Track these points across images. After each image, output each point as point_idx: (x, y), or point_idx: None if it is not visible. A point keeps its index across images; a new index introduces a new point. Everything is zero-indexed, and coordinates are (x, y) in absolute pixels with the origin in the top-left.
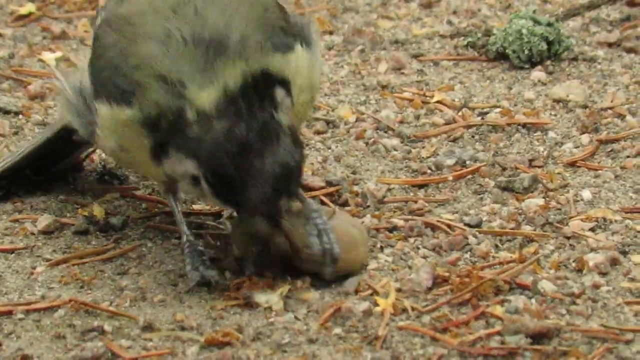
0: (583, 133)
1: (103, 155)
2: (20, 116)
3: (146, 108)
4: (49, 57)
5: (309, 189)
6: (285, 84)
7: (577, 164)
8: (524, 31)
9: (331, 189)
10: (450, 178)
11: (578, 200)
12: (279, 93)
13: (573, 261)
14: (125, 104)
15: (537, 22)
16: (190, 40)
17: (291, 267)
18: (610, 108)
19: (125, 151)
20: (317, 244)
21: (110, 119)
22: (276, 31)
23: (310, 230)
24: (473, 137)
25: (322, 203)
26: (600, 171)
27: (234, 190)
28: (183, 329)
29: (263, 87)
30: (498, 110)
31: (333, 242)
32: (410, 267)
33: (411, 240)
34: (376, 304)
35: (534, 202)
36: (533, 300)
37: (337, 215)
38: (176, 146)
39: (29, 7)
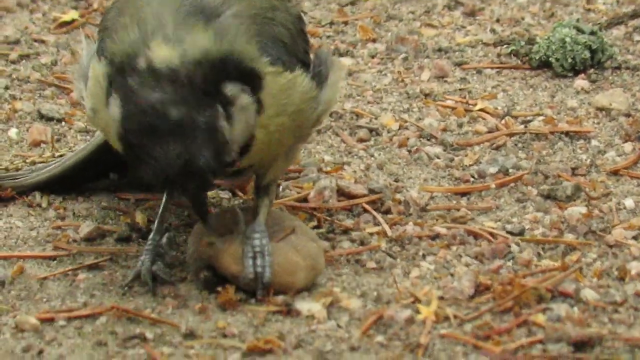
0: (626, 141)
1: None
2: (63, 123)
3: (113, 49)
4: None
5: (351, 196)
6: (251, 82)
7: (620, 172)
8: (568, 40)
9: (373, 197)
10: (493, 186)
11: (621, 209)
12: (233, 90)
13: (615, 269)
14: (99, 58)
15: (580, 30)
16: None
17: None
18: None
19: (96, 114)
20: (250, 267)
21: (91, 76)
22: (277, 43)
23: (247, 252)
24: (516, 145)
25: (365, 211)
26: None
27: (137, 156)
28: (225, 336)
29: (220, 73)
30: (541, 118)
31: (266, 265)
32: (452, 275)
33: (454, 248)
34: (418, 312)
35: (577, 210)
36: (575, 309)
37: (298, 232)
38: (117, 85)
39: (72, 14)
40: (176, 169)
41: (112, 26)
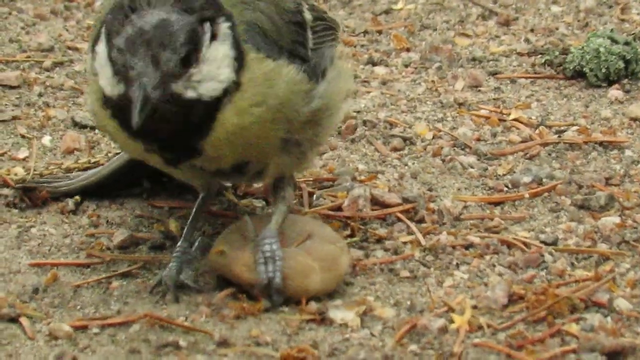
0: None
1: None
2: (97, 130)
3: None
4: None
5: (385, 205)
6: (239, 56)
7: None
8: (602, 50)
9: (407, 206)
10: (527, 196)
11: None
12: (223, 26)
13: None
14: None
15: (614, 40)
16: None
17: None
18: None
19: (95, 115)
20: (263, 273)
21: (88, 75)
22: (254, 28)
23: (258, 259)
24: (550, 155)
25: (398, 220)
26: None
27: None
28: (258, 344)
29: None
30: (575, 128)
31: (277, 270)
32: (486, 285)
33: (487, 257)
34: (452, 321)
35: (611, 220)
36: (608, 319)
37: (316, 235)
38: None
39: None
40: (147, 32)
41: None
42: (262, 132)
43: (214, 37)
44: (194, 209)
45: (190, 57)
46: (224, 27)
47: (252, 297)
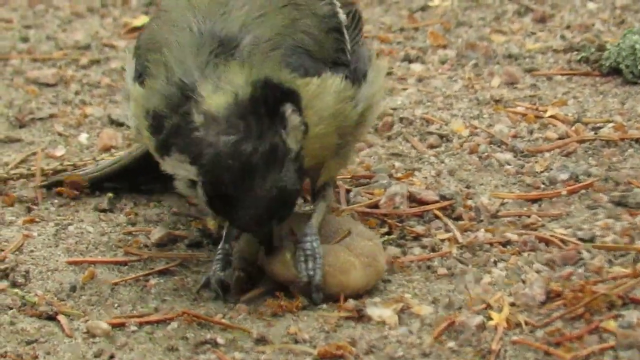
0: None
1: None
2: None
3: (152, 99)
4: None
5: (422, 202)
6: (294, 101)
7: None
8: (638, 46)
9: (444, 203)
10: (564, 193)
11: None
12: (288, 109)
13: None
14: (139, 83)
15: None
16: (205, 34)
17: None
18: None
19: (141, 132)
20: (304, 271)
21: (132, 98)
22: (298, 51)
23: (299, 256)
24: (586, 151)
25: (436, 217)
26: None
27: (228, 205)
28: (296, 341)
29: (272, 100)
30: (611, 125)
31: (317, 268)
32: (523, 282)
33: (524, 254)
34: (490, 318)
35: None
36: None
37: (355, 232)
38: (179, 147)
39: (142, 20)
40: (275, 201)
41: (145, 54)
42: (324, 145)
43: (286, 125)
44: None
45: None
46: (292, 116)
47: (290, 294)
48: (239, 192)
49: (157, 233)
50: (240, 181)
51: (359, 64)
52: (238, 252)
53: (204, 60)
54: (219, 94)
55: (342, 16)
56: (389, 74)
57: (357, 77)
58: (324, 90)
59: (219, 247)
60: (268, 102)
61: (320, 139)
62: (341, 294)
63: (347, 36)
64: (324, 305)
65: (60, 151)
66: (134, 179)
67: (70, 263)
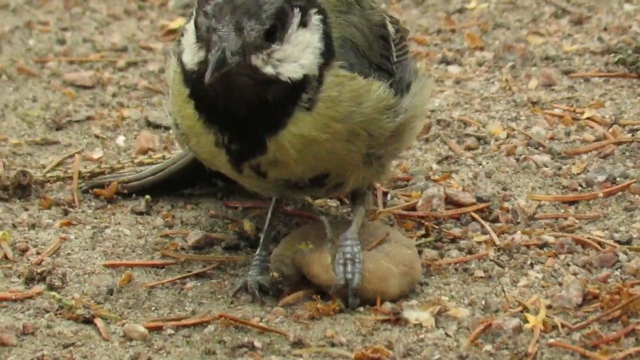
0: None
1: None
2: (170, 131)
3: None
4: None
5: (459, 205)
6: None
7: None
8: None
9: (481, 205)
10: (601, 195)
11: None
12: (314, 17)
13: None
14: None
15: None
16: None
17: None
18: None
19: (181, 121)
20: (341, 274)
21: (171, 83)
22: (347, 44)
23: (338, 259)
24: (623, 153)
25: (473, 219)
26: None
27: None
28: (333, 345)
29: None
30: None
31: (357, 272)
32: (560, 284)
33: (561, 256)
34: (526, 321)
35: None
36: None
37: (392, 238)
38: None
39: (180, 22)
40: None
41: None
42: (335, 147)
43: (304, 24)
44: (269, 214)
45: (275, 33)
46: (315, 18)
47: (327, 297)
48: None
49: (194, 236)
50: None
51: (404, 74)
52: (276, 255)
53: None
54: None
55: (391, 28)
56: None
57: (400, 88)
58: (366, 94)
59: (257, 253)
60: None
61: (334, 138)
62: (381, 299)
63: (393, 47)
64: (361, 309)
65: (97, 154)
66: (177, 189)
67: (107, 266)
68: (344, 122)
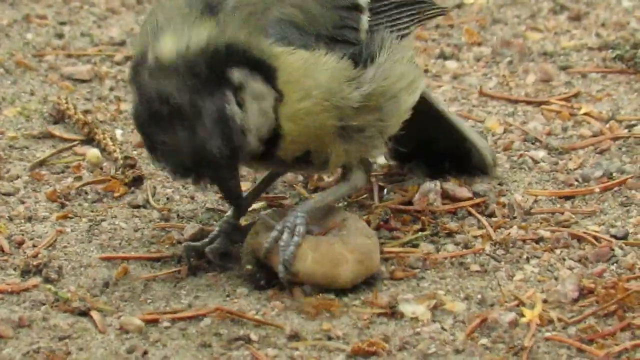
0: None
1: None
2: None
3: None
4: None
5: (455, 199)
6: (262, 71)
7: None
8: None
9: (478, 200)
10: (597, 190)
11: None
12: (240, 76)
13: None
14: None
15: None
16: None
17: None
18: None
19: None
20: (271, 239)
21: None
22: (283, 23)
23: (276, 226)
24: (620, 149)
25: (469, 214)
26: None
27: (151, 148)
28: (329, 338)
29: (224, 60)
30: None
31: (291, 245)
32: (556, 279)
33: (557, 251)
34: (522, 315)
35: None
36: None
37: (352, 225)
38: (132, 82)
39: None
40: (188, 156)
41: (143, 25)
42: (318, 125)
43: (242, 91)
44: (257, 181)
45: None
46: (250, 84)
47: (318, 291)
48: (152, 139)
49: (190, 229)
50: (156, 128)
51: (370, 44)
52: (243, 248)
53: (185, 16)
54: (173, 40)
55: None
56: (425, 71)
57: (363, 59)
58: (315, 67)
59: (226, 215)
60: (214, 62)
61: (312, 117)
62: (329, 286)
63: (364, 16)
64: (357, 302)
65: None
66: None
67: (103, 259)
68: (306, 99)
